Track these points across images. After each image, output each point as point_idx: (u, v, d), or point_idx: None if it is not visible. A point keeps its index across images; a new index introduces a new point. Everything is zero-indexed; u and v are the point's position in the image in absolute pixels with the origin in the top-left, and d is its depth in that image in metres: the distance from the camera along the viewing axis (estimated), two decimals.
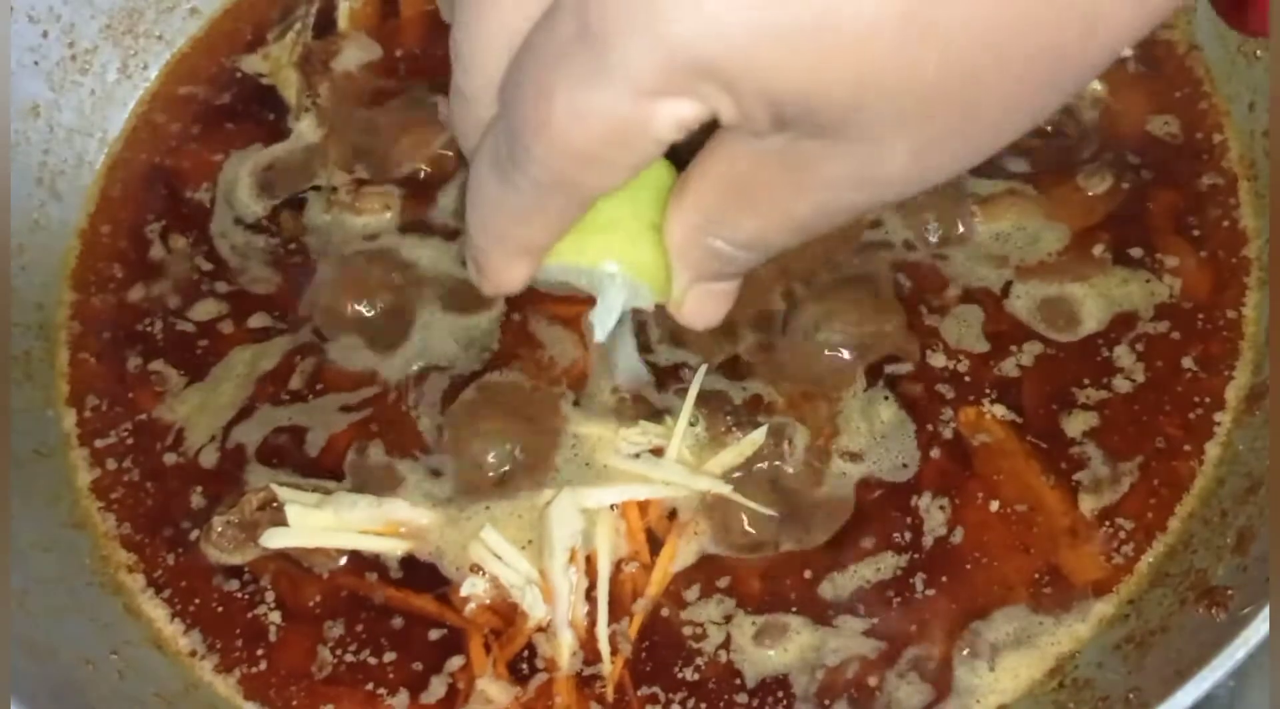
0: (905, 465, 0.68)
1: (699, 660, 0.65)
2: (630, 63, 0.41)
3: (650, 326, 0.72)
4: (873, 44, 0.40)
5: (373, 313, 0.74)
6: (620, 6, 0.40)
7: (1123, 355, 0.70)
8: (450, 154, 0.79)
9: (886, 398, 0.69)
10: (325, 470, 0.71)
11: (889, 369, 0.70)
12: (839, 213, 0.47)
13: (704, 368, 0.69)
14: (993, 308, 0.72)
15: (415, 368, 0.73)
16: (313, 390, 0.74)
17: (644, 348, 0.71)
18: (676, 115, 0.42)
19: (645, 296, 0.52)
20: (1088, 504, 0.66)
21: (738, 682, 0.64)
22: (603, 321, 0.53)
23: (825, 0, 0.39)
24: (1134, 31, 0.43)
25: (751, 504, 0.66)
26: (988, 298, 0.72)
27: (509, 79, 0.45)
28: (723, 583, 0.66)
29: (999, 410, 0.69)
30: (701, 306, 0.53)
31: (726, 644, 0.65)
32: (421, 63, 0.84)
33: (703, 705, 0.64)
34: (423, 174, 0.79)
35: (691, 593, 0.66)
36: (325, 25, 0.86)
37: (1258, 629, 0.55)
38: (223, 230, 0.80)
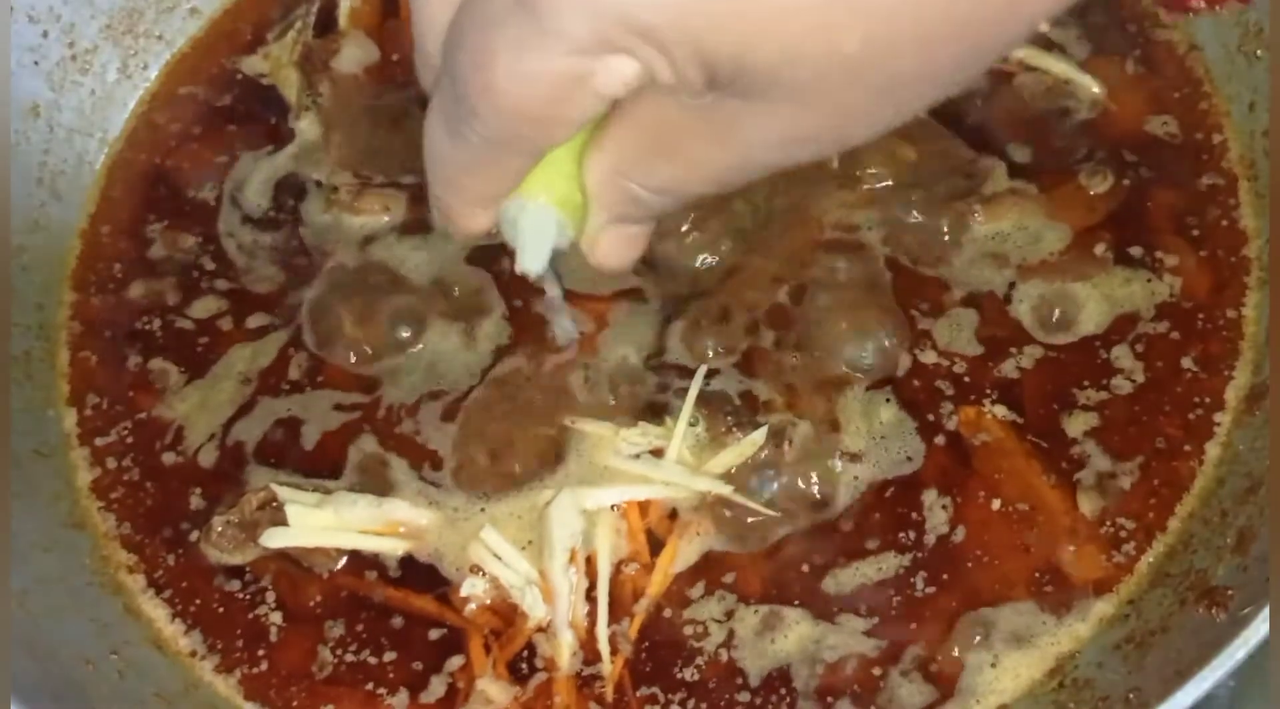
0: (910, 458, 0.68)
1: (700, 660, 0.65)
2: (566, 26, 0.42)
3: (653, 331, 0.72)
4: (798, 14, 0.41)
5: (371, 339, 0.74)
6: None
7: (1123, 356, 0.70)
8: None
9: (888, 400, 0.69)
10: (324, 466, 0.71)
11: (896, 366, 0.70)
12: (757, 168, 0.49)
13: (703, 368, 0.69)
14: (993, 309, 0.72)
15: (415, 386, 0.73)
16: (312, 383, 0.74)
17: (658, 351, 0.71)
18: (618, 72, 0.43)
19: (565, 233, 0.53)
20: (1088, 504, 0.66)
21: (739, 681, 0.64)
22: (533, 253, 0.53)
23: None
24: (1054, 5, 0.43)
25: (752, 504, 0.66)
26: (989, 299, 0.72)
27: (449, 41, 0.47)
28: (727, 579, 0.66)
29: (999, 411, 0.69)
30: (614, 248, 0.54)
31: (728, 642, 0.65)
32: None
33: (704, 705, 0.64)
34: (421, 173, 0.79)
35: (694, 591, 0.66)
36: (326, 25, 0.86)
37: (1258, 629, 0.55)
38: (230, 229, 0.80)
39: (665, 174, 0.49)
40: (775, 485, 0.67)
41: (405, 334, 0.74)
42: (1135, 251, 0.73)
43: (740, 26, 0.41)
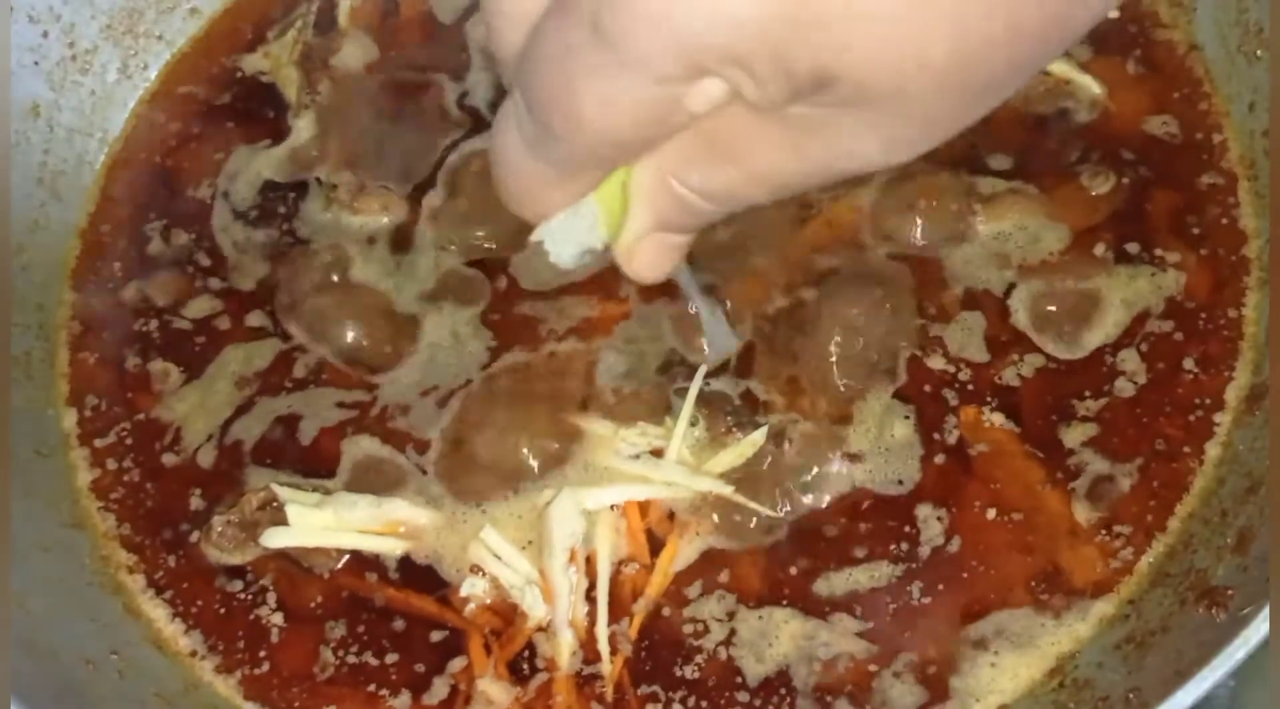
0: (901, 481, 0.68)
1: (699, 658, 0.65)
2: (649, 57, 0.41)
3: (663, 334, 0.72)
4: (883, 23, 0.40)
5: (367, 341, 0.74)
6: (630, 5, 0.40)
7: (1128, 358, 0.70)
8: (450, 154, 0.79)
9: (907, 417, 0.69)
10: (323, 465, 0.71)
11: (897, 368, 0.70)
12: (826, 176, 0.48)
13: (703, 368, 0.69)
14: (993, 311, 0.72)
15: (414, 385, 0.73)
16: (311, 382, 0.74)
17: (658, 351, 0.72)
18: (706, 94, 0.43)
19: (599, 232, 0.52)
20: (1088, 505, 0.66)
21: (739, 679, 0.64)
22: (565, 246, 0.52)
23: None
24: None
25: (753, 504, 0.66)
26: (986, 297, 0.72)
27: (524, 68, 0.46)
28: (726, 578, 0.66)
29: (998, 419, 0.69)
30: (653, 257, 0.53)
31: (728, 641, 0.65)
32: (421, 61, 0.84)
33: (704, 703, 0.64)
34: (421, 173, 0.79)
35: (693, 590, 0.66)
36: (326, 24, 0.86)
37: (1258, 629, 0.55)
38: (224, 225, 0.80)
39: (724, 179, 0.48)
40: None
41: (405, 333, 0.74)
42: (1136, 252, 0.73)
43: (823, 39, 0.40)
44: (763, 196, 0.49)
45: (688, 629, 0.65)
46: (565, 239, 0.52)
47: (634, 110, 0.43)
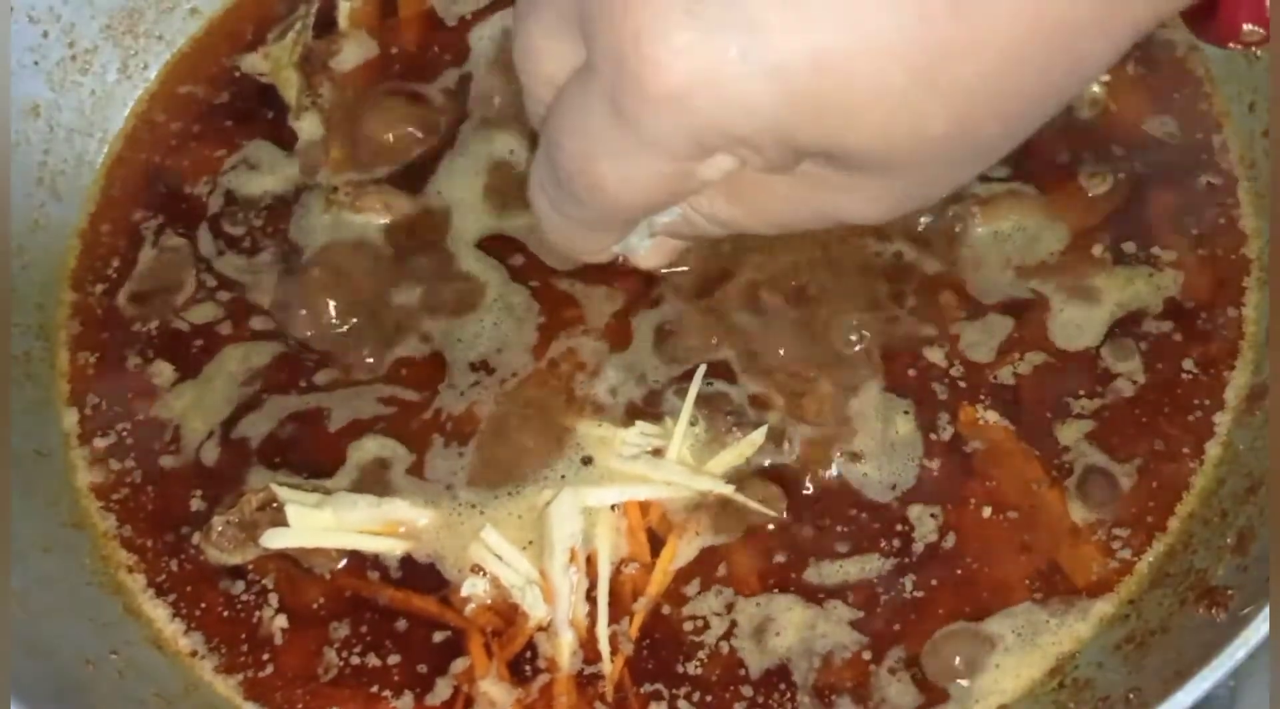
0: (898, 480, 0.68)
1: (701, 654, 0.65)
2: (666, 139, 0.44)
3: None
4: (883, 104, 0.42)
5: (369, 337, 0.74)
6: (647, 93, 0.42)
7: (1126, 358, 0.70)
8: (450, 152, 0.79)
9: (906, 412, 0.69)
10: (323, 465, 0.71)
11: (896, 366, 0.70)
12: (825, 223, 0.51)
13: (702, 368, 0.69)
14: (993, 311, 0.72)
15: (413, 383, 0.73)
16: (311, 381, 0.73)
17: (658, 351, 0.72)
18: (718, 166, 0.45)
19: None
20: (1088, 505, 0.66)
21: (741, 673, 0.64)
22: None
23: (839, 65, 0.40)
24: (1111, 57, 0.45)
25: (754, 504, 0.66)
26: (985, 298, 0.72)
27: (550, 135, 0.49)
28: (724, 573, 0.66)
29: (993, 415, 0.69)
30: (655, 252, 0.59)
31: (728, 634, 0.65)
32: (420, 62, 0.84)
33: (708, 698, 0.64)
34: (421, 173, 0.79)
35: (691, 587, 0.66)
36: (325, 25, 0.86)
37: (1258, 629, 0.55)
38: (227, 228, 0.80)
39: (731, 214, 0.51)
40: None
41: (405, 333, 0.74)
42: (1134, 252, 0.73)
43: (829, 122, 0.42)
44: (765, 231, 0.52)
45: (688, 626, 0.66)
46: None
47: (651, 182, 0.46)
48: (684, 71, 0.41)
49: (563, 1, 0.46)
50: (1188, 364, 0.70)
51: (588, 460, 0.68)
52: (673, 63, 0.41)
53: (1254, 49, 0.55)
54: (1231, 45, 0.55)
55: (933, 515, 0.67)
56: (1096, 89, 0.78)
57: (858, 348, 0.70)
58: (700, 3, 0.41)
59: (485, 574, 0.67)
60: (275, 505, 0.69)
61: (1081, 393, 0.69)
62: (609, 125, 0.44)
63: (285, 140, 0.83)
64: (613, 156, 0.45)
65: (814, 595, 0.65)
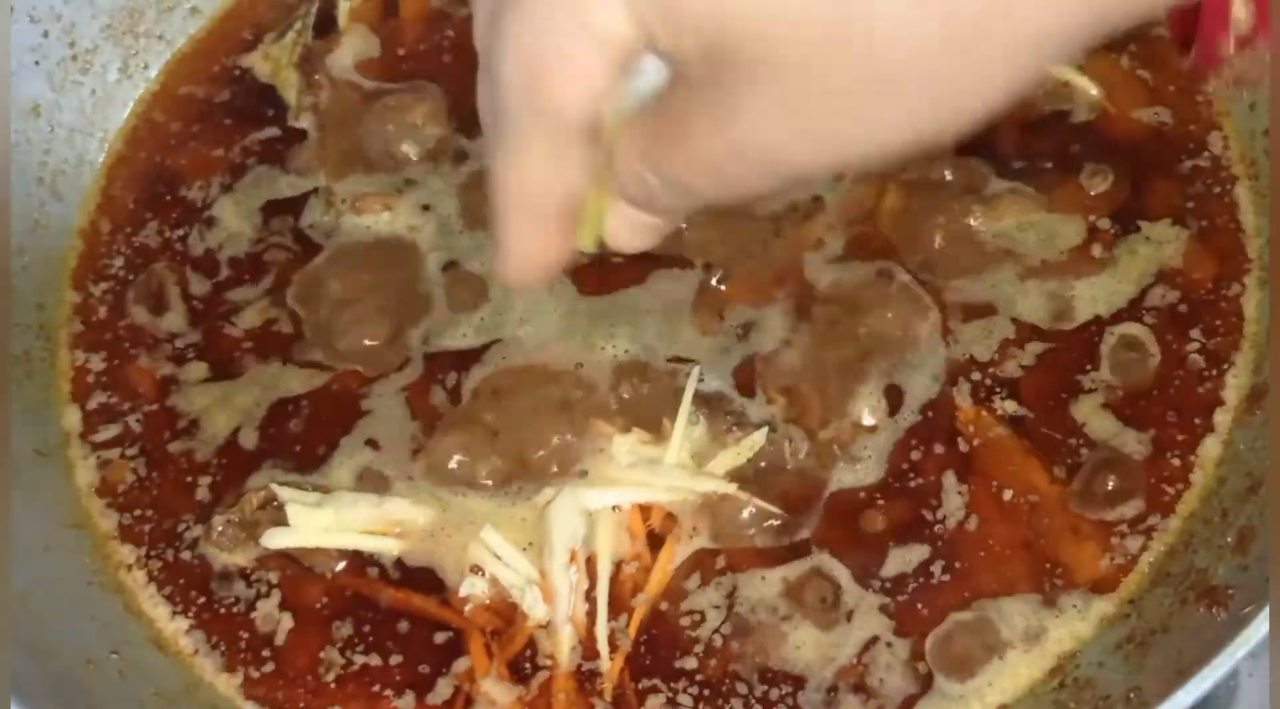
0: (898, 479, 0.68)
1: (698, 649, 0.65)
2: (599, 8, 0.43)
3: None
4: None
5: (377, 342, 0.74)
6: None
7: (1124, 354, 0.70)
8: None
9: (906, 412, 0.69)
10: (324, 465, 0.71)
11: (896, 366, 0.70)
12: (755, 166, 0.47)
13: (697, 369, 0.69)
14: (994, 310, 0.72)
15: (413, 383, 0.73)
16: (311, 381, 0.74)
17: (659, 352, 0.72)
18: (612, 18, 0.43)
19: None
20: (1088, 503, 0.67)
21: (741, 668, 0.64)
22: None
23: None
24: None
25: (758, 501, 0.66)
26: (989, 299, 0.72)
27: (497, 35, 0.48)
28: (720, 563, 0.66)
29: (1009, 406, 0.69)
30: (620, 228, 0.54)
31: (727, 629, 0.65)
32: (420, 61, 0.84)
33: (707, 692, 0.64)
34: (421, 173, 0.79)
35: (691, 582, 0.66)
36: (325, 25, 0.86)
37: (1258, 629, 0.55)
38: (227, 227, 0.80)
39: (673, 163, 0.49)
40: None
41: (406, 331, 0.74)
42: (1135, 251, 0.73)
43: None
44: (710, 185, 0.49)
45: (685, 621, 0.66)
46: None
47: (589, 64, 0.45)
48: None
49: None
50: (1188, 363, 0.70)
51: (583, 473, 0.68)
52: None
53: (1241, 88, 0.54)
54: (1215, 79, 0.54)
55: (933, 515, 0.67)
56: (1094, 92, 0.78)
57: (858, 347, 0.70)
58: None
59: (485, 574, 0.67)
60: (275, 504, 0.69)
61: (1089, 367, 0.69)
62: (550, 13, 0.44)
63: (285, 139, 0.83)
64: (555, 38, 0.45)
65: (821, 598, 0.65)
